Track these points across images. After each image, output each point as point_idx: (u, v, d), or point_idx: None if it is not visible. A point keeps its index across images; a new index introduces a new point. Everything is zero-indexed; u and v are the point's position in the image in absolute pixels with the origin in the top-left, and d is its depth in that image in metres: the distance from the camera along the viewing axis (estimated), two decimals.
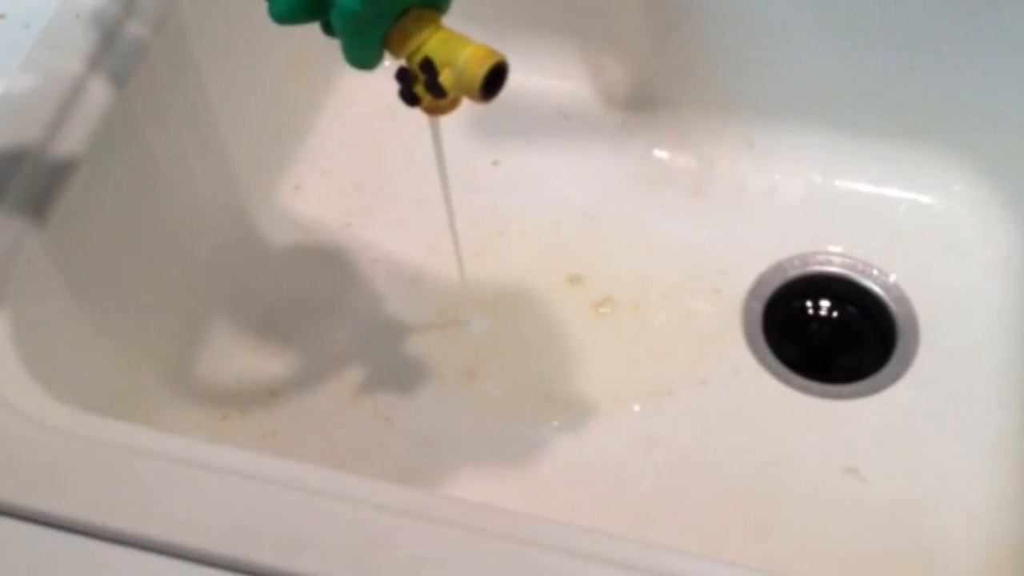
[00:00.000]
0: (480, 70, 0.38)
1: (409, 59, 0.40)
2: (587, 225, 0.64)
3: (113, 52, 0.49)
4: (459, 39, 0.39)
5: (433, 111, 0.42)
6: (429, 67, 0.39)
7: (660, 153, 0.66)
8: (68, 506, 0.36)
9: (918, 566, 0.52)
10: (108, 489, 0.36)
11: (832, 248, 0.62)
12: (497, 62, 0.39)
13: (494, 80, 0.39)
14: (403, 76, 0.40)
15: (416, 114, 0.70)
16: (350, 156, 0.67)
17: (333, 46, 0.40)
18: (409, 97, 0.41)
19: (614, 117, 0.67)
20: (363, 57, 0.40)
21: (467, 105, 0.46)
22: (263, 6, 0.39)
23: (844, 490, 0.54)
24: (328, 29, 0.40)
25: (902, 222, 0.63)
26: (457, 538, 0.35)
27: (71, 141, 0.46)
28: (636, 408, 0.57)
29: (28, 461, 0.37)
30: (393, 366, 0.59)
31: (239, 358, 0.59)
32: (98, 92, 0.48)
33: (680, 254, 0.62)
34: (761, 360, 0.59)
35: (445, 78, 0.39)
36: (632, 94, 0.67)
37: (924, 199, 0.63)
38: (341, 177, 0.66)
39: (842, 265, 0.62)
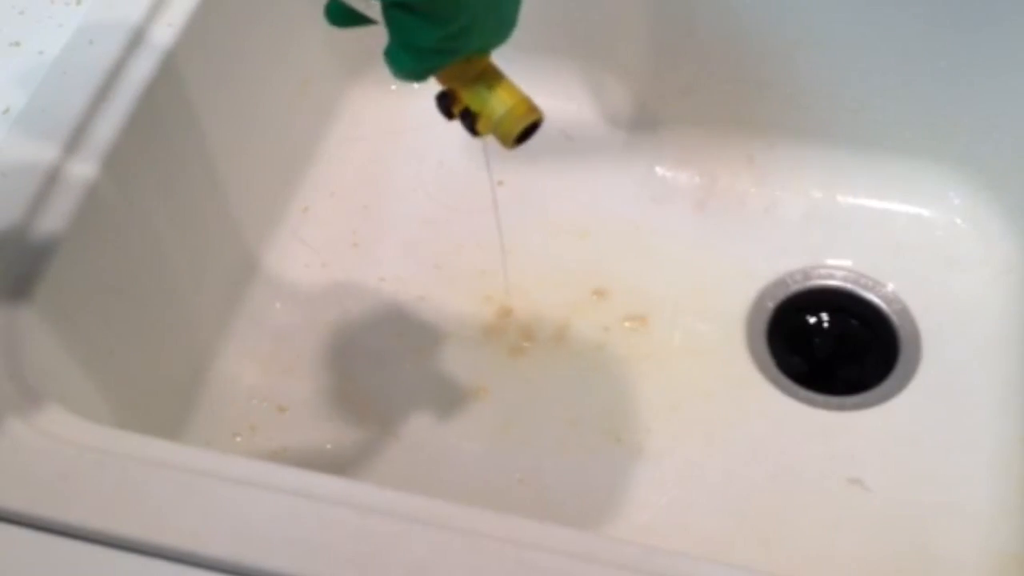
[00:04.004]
0: (515, 129, 0.39)
1: (451, 89, 0.40)
2: (590, 242, 0.65)
3: (125, 78, 0.49)
4: (502, 88, 0.39)
5: None
6: (468, 116, 0.40)
7: (662, 171, 0.67)
8: (81, 515, 0.36)
9: (923, 575, 0.52)
10: (120, 499, 0.37)
11: (833, 262, 0.63)
12: (533, 121, 0.40)
13: (527, 131, 0.40)
14: (443, 98, 0.41)
15: (420, 138, 0.71)
16: (357, 178, 0.68)
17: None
18: (446, 113, 0.41)
19: (616, 136, 0.68)
20: (406, 81, 0.39)
21: None
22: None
23: (849, 500, 0.54)
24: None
25: (902, 235, 0.63)
26: (462, 543, 0.35)
27: (86, 162, 0.47)
28: (641, 421, 0.57)
29: (43, 472, 0.38)
30: (401, 383, 0.60)
31: (249, 375, 0.59)
32: (116, 112, 0.48)
33: (683, 270, 0.63)
34: (765, 373, 0.59)
35: (482, 126, 0.40)
36: (634, 114, 0.68)
37: (924, 212, 0.64)
38: (348, 199, 0.67)
39: (844, 279, 0.62)
